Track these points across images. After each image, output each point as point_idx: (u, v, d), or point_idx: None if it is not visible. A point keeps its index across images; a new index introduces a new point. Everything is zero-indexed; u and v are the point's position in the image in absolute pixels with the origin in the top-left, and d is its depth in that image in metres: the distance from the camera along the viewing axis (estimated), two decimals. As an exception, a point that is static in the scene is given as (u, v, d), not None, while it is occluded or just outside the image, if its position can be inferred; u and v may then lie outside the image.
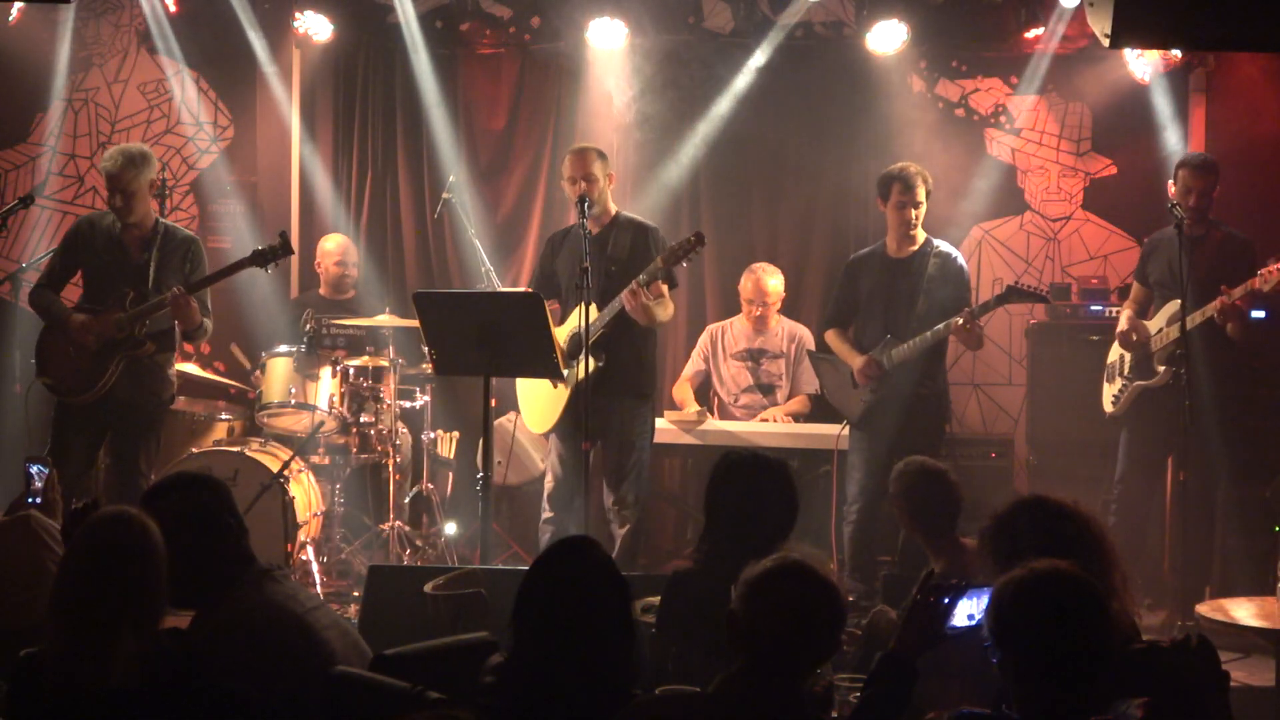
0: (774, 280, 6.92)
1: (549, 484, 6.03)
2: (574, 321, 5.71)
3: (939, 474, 4.44)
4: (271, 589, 3.26)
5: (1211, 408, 5.86)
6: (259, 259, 5.76)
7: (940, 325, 5.82)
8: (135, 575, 2.84)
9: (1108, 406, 6.29)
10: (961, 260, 6.11)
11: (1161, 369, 5.97)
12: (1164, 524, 6.26)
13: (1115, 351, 6.27)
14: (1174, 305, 5.85)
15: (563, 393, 5.77)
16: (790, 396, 6.91)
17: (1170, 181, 6.08)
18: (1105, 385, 6.33)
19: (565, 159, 5.99)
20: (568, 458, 5.93)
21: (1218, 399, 5.89)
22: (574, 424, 5.75)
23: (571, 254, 5.92)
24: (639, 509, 5.94)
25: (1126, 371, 6.14)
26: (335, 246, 7.33)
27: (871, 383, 5.99)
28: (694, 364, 7.11)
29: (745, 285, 6.96)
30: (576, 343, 5.58)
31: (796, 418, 6.80)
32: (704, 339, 7.11)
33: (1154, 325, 6.03)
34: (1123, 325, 6.13)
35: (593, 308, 5.60)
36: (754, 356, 6.95)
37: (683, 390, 7.05)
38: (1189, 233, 5.84)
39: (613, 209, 6.00)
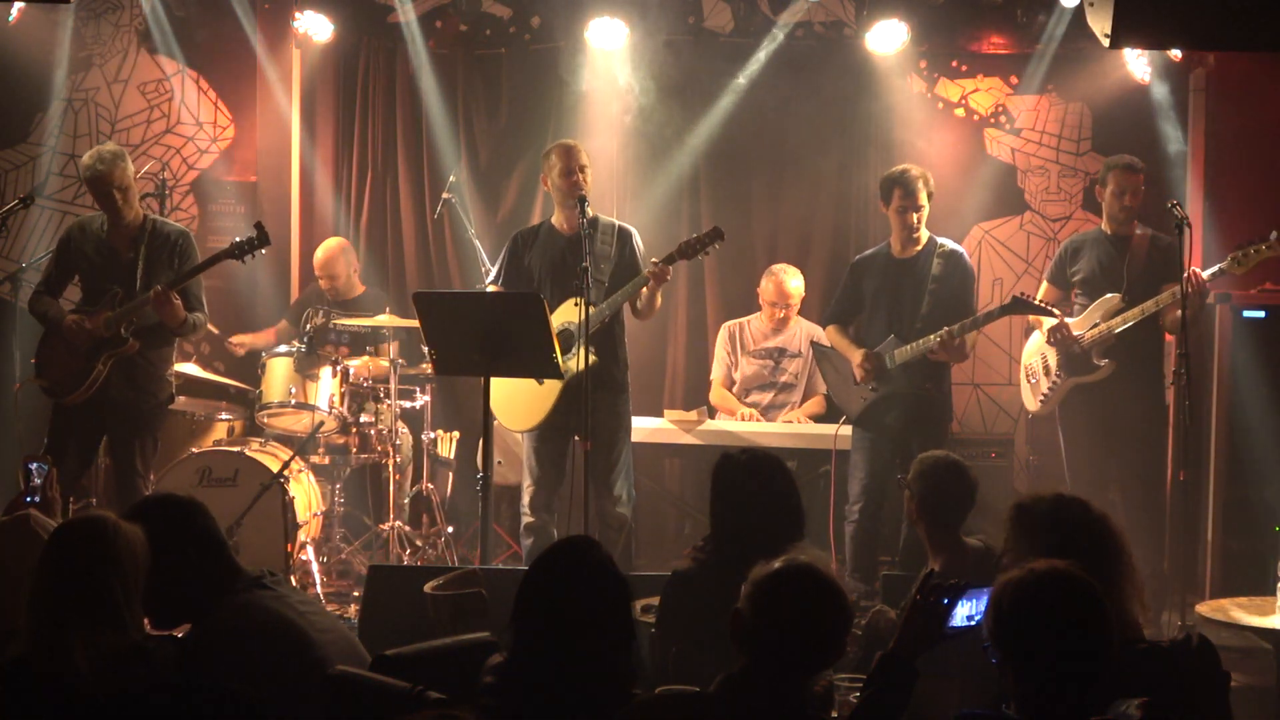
0: (795, 282, 6.92)
1: (529, 488, 5.95)
2: (557, 319, 5.69)
3: (959, 467, 4.43)
4: (262, 595, 3.26)
5: (1156, 401, 6.16)
6: (235, 251, 5.78)
7: (932, 337, 5.82)
8: (98, 577, 2.85)
9: (1033, 405, 6.35)
10: (967, 258, 6.12)
11: (1102, 363, 6.02)
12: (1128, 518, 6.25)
13: (1034, 351, 6.32)
14: (1109, 301, 5.99)
15: (549, 390, 5.72)
16: (806, 396, 6.89)
17: (1099, 186, 6.24)
18: (1026, 384, 6.39)
19: (552, 155, 5.91)
20: (548, 457, 5.90)
21: (1155, 393, 6.15)
22: (557, 423, 5.75)
23: (547, 252, 5.93)
24: (632, 505, 5.94)
25: (1056, 370, 6.16)
26: (317, 259, 7.22)
27: (869, 378, 5.98)
28: (721, 363, 7.05)
29: (766, 288, 6.94)
30: (563, 340, 5.59)
31: (815, 418, 6.77)
32: (723, 336, 7.08)
33: (1084, 322, 6.06)
34: (1054, 324, 6.14)
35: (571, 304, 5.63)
36: (774, 356, 6.94)
37: (721, 394, 6.97)
38: (1119, 232, 6.13)
39: (590, 209, 5.97)
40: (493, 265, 6.83)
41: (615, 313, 5.85)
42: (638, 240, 6.02)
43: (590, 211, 5.83)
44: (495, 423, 5.69)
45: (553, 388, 5.70)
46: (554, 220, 6.01)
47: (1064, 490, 3.46)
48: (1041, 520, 3.29)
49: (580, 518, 5.69)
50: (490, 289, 6.07)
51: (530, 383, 5.67)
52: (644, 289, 5.79)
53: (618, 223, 6.08)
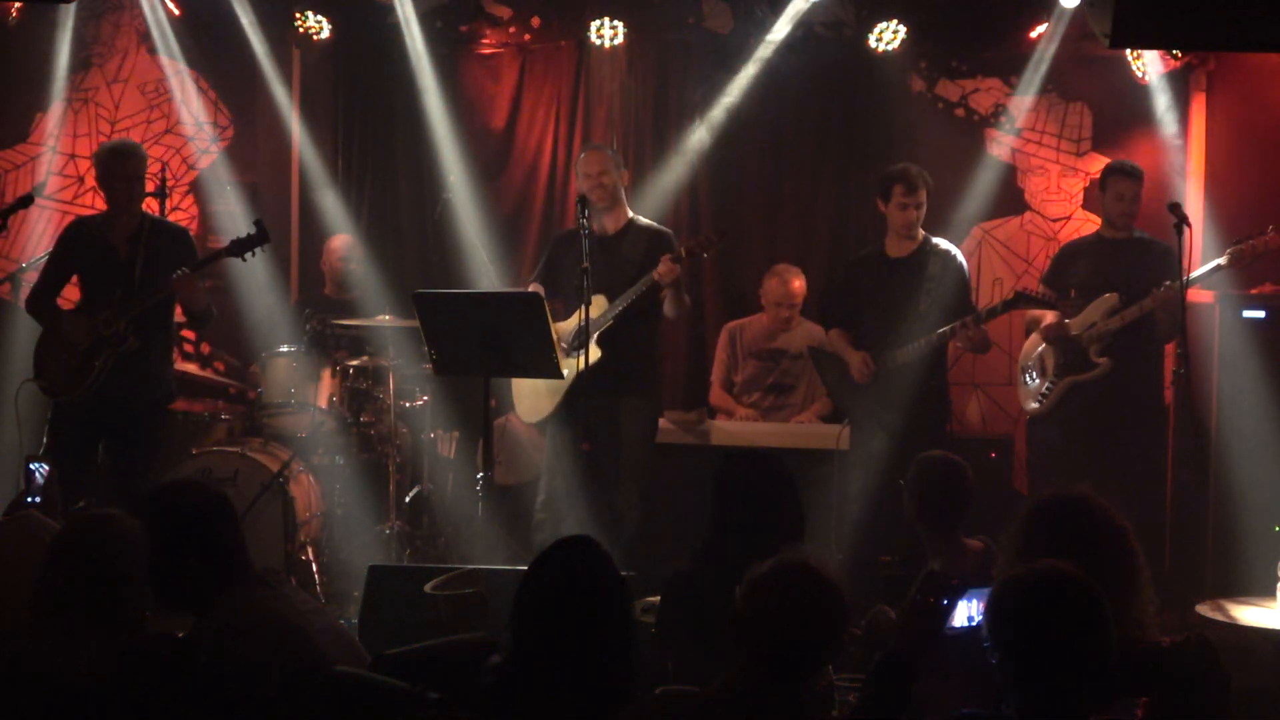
0: (798, 281, 6.92)
1: (544, 486, 6.00)
2: (575, 320, 5.72)
3: (955, 467, 4.42)
4: (263, 594, 3.26)
5: (1155, 401, 6.13)
6: (235, 249, 5.79)
7: (945, 329, 5.83)
8: (106, 576, 2.86)
9: (1030, 405, 6.32)
10: (961, 258, 6.12)
11: (1101, 360, 6.01)
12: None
13: (1032, 351, 6.31)
14: (1107, 300, 5.96)
15: (562, 383, 5.75)
16: (810, 398, 6.88)
17: (1100, 190, 6.22)
18: (1024, 385, 6.36)
19: (581, 156, 6.08)
20: (564, 456, 5.92)
21: (1154, 393, 6.13)
22: (572, 421, 5.75)
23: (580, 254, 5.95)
24: (643, 507, 5.95)
25: (1054, 369, 6.16)
26: (340, 243, 7.36)
27: (868, 379, 5.99)
28: (721, 365, 7.04)
29: (770, 288, 6.93)
30: (579, 335, 5.60)
31: (824, 419, 6.77)
32: (724, 337, 7.08)
33: (1082, 322, 6.06)
34: (1051, 320, 6.15)
35: (601, 301, 5.66)
36: (774, 357, 6.94)
37: (720, 395, 6.97)
38: (1116, 236, 6.12)
39: (629, 213, 6.03)
40: (492, 265, 6.86)
41: (641, 314, 5.82)
42: (673, 242, 6.01)
43: (629, 212, 6.02)
44: (496, 423, 5.71)
45: (563, 382, 5.72)
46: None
47: (1085, 491, 3.44)
48: (1062, 521, 3.27)
49: (588, 516, 5.69)
50: (531, 289, 6.10)
51: None
52: (662, 290, 5.79)
53: (655, 225, 6.12)
